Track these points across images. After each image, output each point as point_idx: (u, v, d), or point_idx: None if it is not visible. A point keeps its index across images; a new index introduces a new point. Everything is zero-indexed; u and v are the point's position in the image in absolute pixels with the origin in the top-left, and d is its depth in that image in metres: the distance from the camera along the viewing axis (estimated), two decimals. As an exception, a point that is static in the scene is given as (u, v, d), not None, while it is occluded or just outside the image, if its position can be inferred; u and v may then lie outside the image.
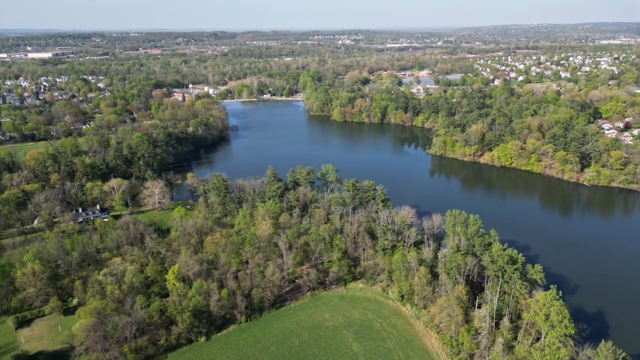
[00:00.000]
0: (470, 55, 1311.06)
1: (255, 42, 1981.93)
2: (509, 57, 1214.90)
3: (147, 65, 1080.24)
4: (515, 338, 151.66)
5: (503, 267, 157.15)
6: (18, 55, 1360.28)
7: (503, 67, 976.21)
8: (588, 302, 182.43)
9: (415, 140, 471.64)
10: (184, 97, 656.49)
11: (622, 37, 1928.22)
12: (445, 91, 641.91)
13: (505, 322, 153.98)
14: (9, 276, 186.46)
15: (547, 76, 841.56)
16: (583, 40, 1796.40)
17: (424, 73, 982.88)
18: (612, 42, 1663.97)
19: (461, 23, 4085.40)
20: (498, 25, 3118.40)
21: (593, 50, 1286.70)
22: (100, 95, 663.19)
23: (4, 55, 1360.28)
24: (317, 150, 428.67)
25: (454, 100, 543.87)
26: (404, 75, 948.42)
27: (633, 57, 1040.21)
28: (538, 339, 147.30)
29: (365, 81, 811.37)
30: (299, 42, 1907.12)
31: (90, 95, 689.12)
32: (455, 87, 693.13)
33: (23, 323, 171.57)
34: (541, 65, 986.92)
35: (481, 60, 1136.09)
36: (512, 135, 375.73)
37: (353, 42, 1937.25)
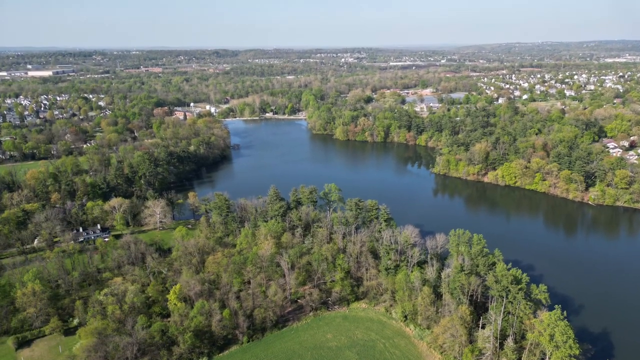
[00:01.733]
0: (474, 74, 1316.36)
1: (257, 60, 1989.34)
2: (513, 75, 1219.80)
3: (148, 84, 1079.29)
4: (520, 359, 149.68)
5: (507, 287, 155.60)
6: (18, 74, 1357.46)
7: (507, 86, 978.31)
8: (593, 322, 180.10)
9: (418, 159, 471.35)
10: (185, 115, 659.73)
11: (627, 55, 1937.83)
12: (448, 110, 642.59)
13: (510, 342, 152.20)
14: (9, 296, 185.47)
15: (551, 94, 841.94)
16: (588, 58, 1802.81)
17: (427, 91, 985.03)
18: (617, 60, 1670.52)
19: (465, 41, 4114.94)
20: (502, 43, 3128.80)
21: (598, 69, 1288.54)
22: (101, 114, 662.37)
23: (4, 73, 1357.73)
24: (319, 169, 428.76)
25: (458, 118, 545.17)
26: (407, 93, 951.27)
27: (638, 75, 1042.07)
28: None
29: (368, 99, 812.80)
30: (301, 60, 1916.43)
31: (91, 113, 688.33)
32: (459, 106, 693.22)
33: (23, 343, 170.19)
34: (545, 84, 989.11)
35: (485, 79, 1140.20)
36: (516, 154, 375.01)
37: (356, 60, 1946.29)
